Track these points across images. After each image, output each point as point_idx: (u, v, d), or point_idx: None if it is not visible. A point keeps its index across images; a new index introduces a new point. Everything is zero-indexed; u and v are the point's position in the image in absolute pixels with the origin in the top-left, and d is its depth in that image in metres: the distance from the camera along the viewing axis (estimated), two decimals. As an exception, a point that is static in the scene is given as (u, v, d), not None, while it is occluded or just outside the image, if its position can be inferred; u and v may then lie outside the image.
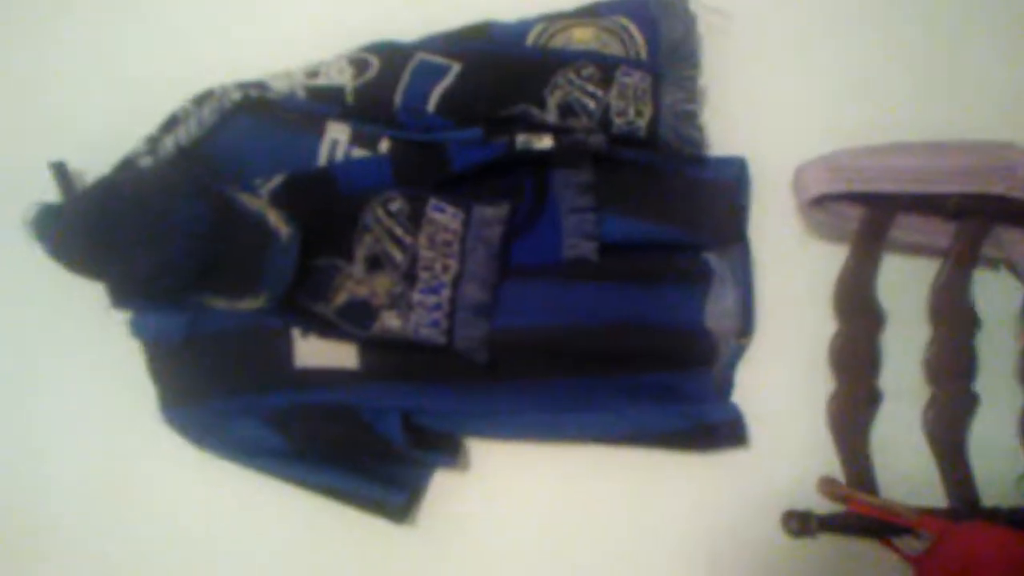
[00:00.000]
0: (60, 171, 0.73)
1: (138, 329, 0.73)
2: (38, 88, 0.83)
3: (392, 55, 0.77)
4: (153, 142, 0.74)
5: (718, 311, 0.77)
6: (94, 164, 0.73)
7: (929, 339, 0.76)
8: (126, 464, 0.78)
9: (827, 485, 0.74)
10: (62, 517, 0.78)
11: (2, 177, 0.80)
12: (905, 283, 0.78)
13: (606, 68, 0.76)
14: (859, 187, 0.73)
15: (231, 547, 0.77)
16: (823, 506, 0.74)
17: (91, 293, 0.73)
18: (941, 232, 0.76)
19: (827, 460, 0.76)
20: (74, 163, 0.74)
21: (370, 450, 0.74)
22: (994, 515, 0.73)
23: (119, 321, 0.74)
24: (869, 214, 0.75)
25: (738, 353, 0.78)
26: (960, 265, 0.76)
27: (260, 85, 0.75)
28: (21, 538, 0.78)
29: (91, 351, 0.78)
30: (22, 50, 0.84)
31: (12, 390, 0.80)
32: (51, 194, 0.72)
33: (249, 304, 0.70)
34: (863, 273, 0.77)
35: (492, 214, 0.73)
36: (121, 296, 0.73)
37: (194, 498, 0.77)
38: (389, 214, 0.73)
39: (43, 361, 0.80)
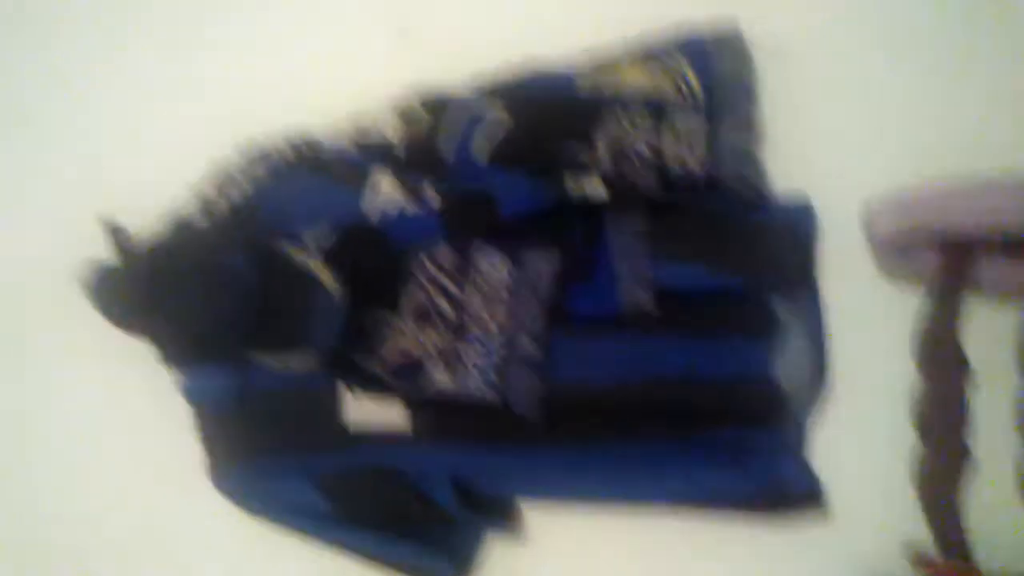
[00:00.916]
0: (115, 232, 0.73)
1: (188, 392, 0.73)
2: (79, 141, 0.86)
3: (440, 106, 0.76)
4: (208, 202, 0.74)
5: (789, 362, 0.72)
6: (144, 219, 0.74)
7: (1020, 390, 0.70)
8: (170, 521, 0.77)
9: (919, 558, 0.68)
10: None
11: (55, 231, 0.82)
12: (993, 330, 0.71)
13: (659, 111, 0.73)
14: (937, 227, 0.68)
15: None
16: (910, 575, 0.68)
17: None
18: (1030, 275, 0.70)
19: (914, 528, 0.69)
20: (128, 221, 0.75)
21: (420, 515, 0.71)
22: (1109, 587, 0.66)
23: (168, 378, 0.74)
24: (949, 257, 0.70)
25: (812, 407, 0.73)
26: (1053, 310, 0.69)
27: (311, 143, 0.75)
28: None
29: (141, 404, 0.78)
30: (65, 101, 0.86)
31: (60, 439, 0.80)
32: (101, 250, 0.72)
33: (297, 360, 0.69)
34: (945, 321, 0.71)
35: (543, 264, 0.71)
36: (171, 354, 0.72)
37: (239, 560, 0.76)
38: (438, 266, 0.71)
39: (88, 422, 0.80)
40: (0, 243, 0.84)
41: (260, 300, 0.68)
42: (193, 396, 0.73)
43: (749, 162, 0.74)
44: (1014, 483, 0.69)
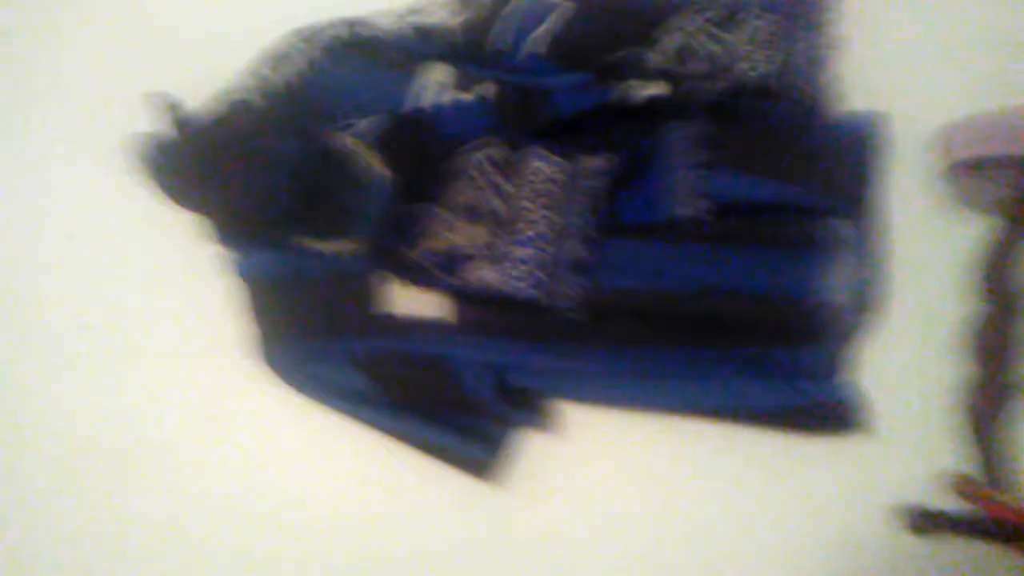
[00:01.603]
0: (172, 105, 0.73)
1: (240, 268, 0.73)
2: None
3: (503, -10, 0.73)
4: (262, 80, 0.73)
5: (843, 282, 0.70)
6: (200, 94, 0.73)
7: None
8: (221, 403, 0.78)
9: (964, 484, 0.67)
10: (163, 449, 0.78)
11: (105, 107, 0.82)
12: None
13: (733, 9, 0.70)
14: (1015, 150, 0.65)
15: (316, 493, 0.76)
16: (950, 503, 0.67)
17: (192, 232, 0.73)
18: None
19: (957, 455, 0.68)
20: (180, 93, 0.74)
21: (458, 403, 0.71)
22: None
23: (219, 260, 0.74)
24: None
25: (863, 329, 0.71)
26: None
27: (365, 22, 0.73)
28: (126, 468, 0.79)
29: (189, 289, 0.79)
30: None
31: (111, 328, 0.81)
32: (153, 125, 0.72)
33: (344, 246, 0.69)
34: (1012, 248, 0.68)
35: (598, 165, 0.69)
36: (224, 233, 0.72)
37: (285, 441, 0.77)
38: (491, 161, 0.70)
39: (139, 300, 0.81)
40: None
41: (310, 184, 0.67)
42: (243, 274, 0.74)
43: (824, 72, 0.70)
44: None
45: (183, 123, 0.72)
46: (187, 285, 0.78)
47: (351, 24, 0.73)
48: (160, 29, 0.85)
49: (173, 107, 0.72)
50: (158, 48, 0.84)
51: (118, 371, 0.79)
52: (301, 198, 0.67)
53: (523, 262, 0.68)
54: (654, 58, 0.69)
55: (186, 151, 0.67)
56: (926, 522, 0.66)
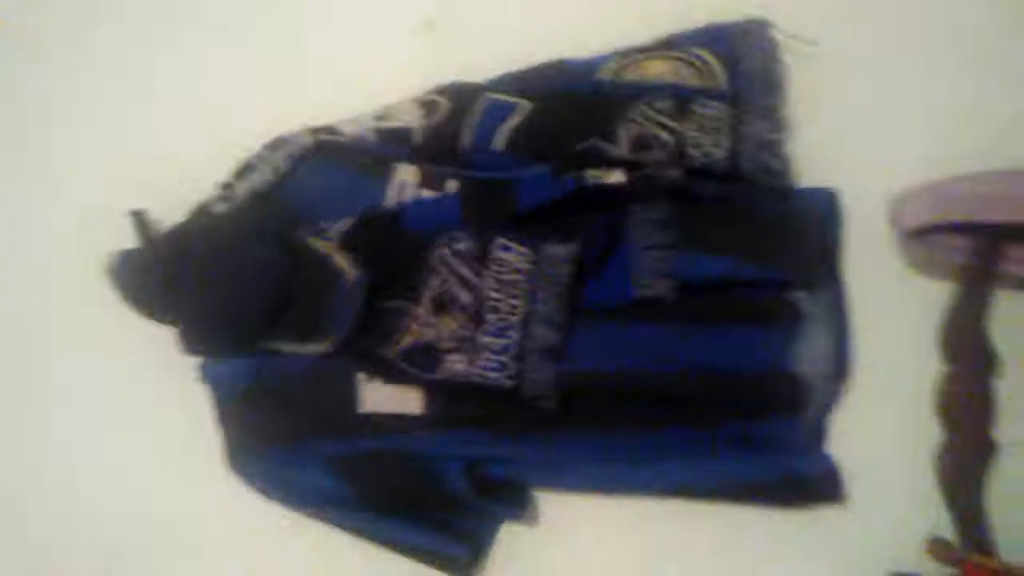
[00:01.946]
0: (140, 219, 0.74)
1: (207, 375, 0.74)
2: (110, 137, 0.86)
3: (461, 95, 0.76)
4: (228, 188, 0.75)
5: (810, 354, 0.72)
6: (168, 213, 0.75)
7: (1050, 383, 0.69)
8: (191, 510, 0.78)
9: (938, 547, 0.67)
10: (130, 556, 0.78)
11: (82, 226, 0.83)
12: (1019, 321, 0.70)
13: (682, 100, 0.73)
14: (964, 217, 0.67)
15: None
16: (930, 570, 0.67)
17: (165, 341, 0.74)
18: (1058, 265, 0.69)
19: (935, 519, 0.68)
20: (154, 211, 0.76)
21: (433, 500, 0.71)
22: None
23: (190, 367, 0.75)
24: (977, 246, 0.69)
25: (833, 399, 0.72)
26: (1084, 301, 0.68)
27: (331, 130, 0.76)
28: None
29: (160, 395, 0.79)
30: (105, 100, 0.87)
31: (83, 430, 0.81)
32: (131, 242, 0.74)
33: (315, 348, 0.70)
34: (972, 311, 0.70)
35: (561, 253, 0.71)
36: (191, 340, 0.73)
37: (259, 547, 0.76)
38: (456, 254, 0.71)
39: (112, 403, 0.81)
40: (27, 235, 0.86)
41: (280, 287, 0.68)
42: (212, 381, 0.74)
43: (774, 152, 0.73)
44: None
45: (146, 234, 0.74)
46: (162, 392, 0.79)
47: (315, 131, 0.75)
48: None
49: (137, 218, 0.74)
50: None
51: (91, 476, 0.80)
52: (270, 300, 0.68)
53: (493, 351, 0.69)
54: (611, 148, 0.72)
55: (149, 261, 0.68)
56: (909, 590, 0.66)
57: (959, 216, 0.67)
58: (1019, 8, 0.78)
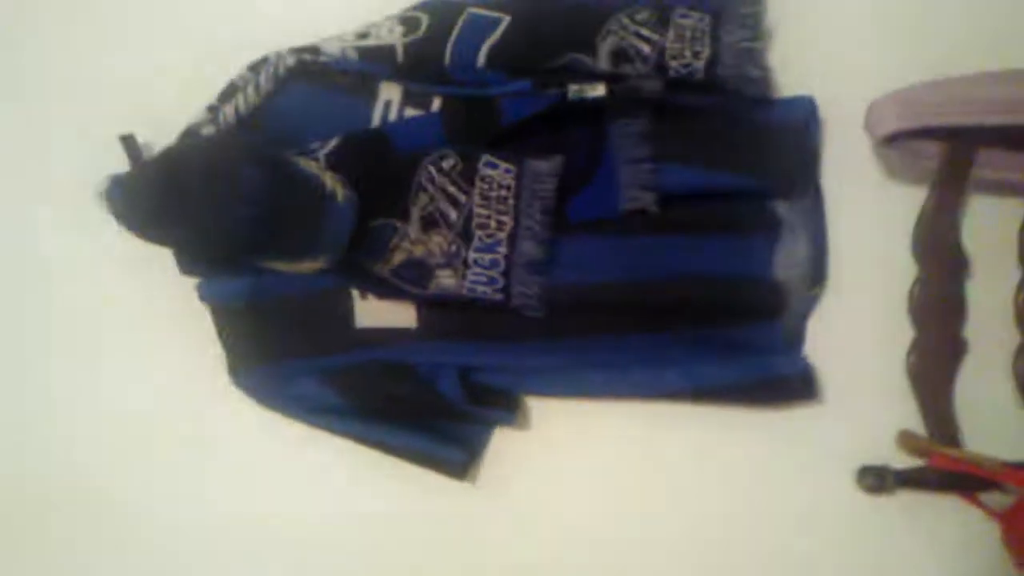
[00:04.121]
0: (129, 143, 0.75)
1: (205, 293, 0.76)
2: (102, 61, 0.86)
3: (442, 11, 0.76)
4: (214, 111, 0.75)
5: (788, 260, 0.74)
6: (161, 135, 0.76)
7: (1018, 284, 0.71)
8: (195, 424, 0.81)
9: (907, 439, 0.71)
10: (133, 476, 0.81)
11: (76, 150, 0.84)
12: (991, 224, 0.73)
13: (662, 10, 0.73)
14: (938, 121, 0.68)
15: (289, 503, 0.79)
16: (901, 462, 0.71)
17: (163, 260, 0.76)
18: (1030, 167, 0.70)
19: (907, 414, 0.72)
20: (142, 135, 0.76)
21: (429, 407, 0.74)
22: (1090, 468, 0.68)
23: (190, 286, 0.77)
24: (950, 151, 0.70)
25: (810, 304, 0.75)
26: (1053, 203, 0.70)
27: (312, 49, 0.76)
28: (91, 493, 0.81)
29: (163, 316, 0.81)
30: (84, 24, 0.87)
31: (85, 353, 0.83)
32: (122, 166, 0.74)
33: (309, 266, 0.71)
34: (945, 215, 0.72)
35: (545, 168, 0.72)
36: (188, 261, 0.75)
37: (259, 454, 0.80)
38: (442, 172, 0.72)
39: (115, 326, 0.83)
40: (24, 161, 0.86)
41: (271, 208, 0.69)
42: (211, 300, 0.76)
43: (753, 61, 0.73)
44: (1010, 375, 0.71)
45: (136, 156, 0.74)
46: (162, 311, 0.81)
47: (298, 52, 0.75)
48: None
49: (126, 141, 0.74)
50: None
51: (94, 397, 0.82)
52: (262, 221, 0.69)
53: (482, 267, 0.71)
54: (591, 62, 0.72)
55: (140, 183, 0.69)
56: (879, 480, 0.70)
57: (929, 121, 0.68)
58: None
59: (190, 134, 0.75)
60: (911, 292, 0.73)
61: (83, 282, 0.83)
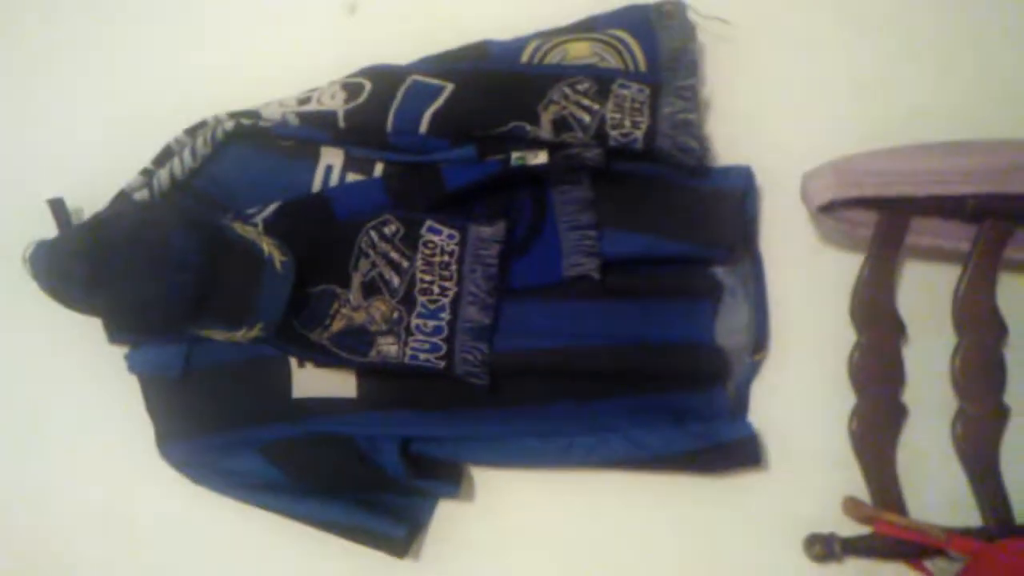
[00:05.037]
0: (57, 208, 0.73)
1: (134, 364, 0.73)
2: (35, 126, 0.84)
3: (384, 78, 0.76)
4: (148, 175, 0.74)
5: (729, 326, 0.75)
6: (92, 200, 0.73)
7: (954, 349, 0.72)
8: (125, 497, 0.77)
9: (852, 506, 0.70)
10: (62, 547, 0.78)
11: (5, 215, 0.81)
12: (926, 290, 0.74)
13: (602, 81, 0.74)
14: (870, 192, 0.70)
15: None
16: (848, 528, 0.70)
17: (91, 328, 0.73)
18: (961, 235, 0.72)
19: (851, 479, 0.72)
20: (72, 200, 0.74)
21: (369, 481, 0.72)
22: (1031, 533, 0.69)
23: (118, 355, 0.74)
24: (883, 219, 0.72)
25: (753, 369, 0.75)
26: (983, 269, 0.72)
27: (252, 114, 0.75)
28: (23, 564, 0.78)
29: (92, 385, 0.78)
30: (19, 90, 0.84)
31: (15, 424, 0.80)
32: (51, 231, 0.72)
33: (245, 335, 0.69)
34: (881, 281, 0.73)
35: (488, 233, 0.72)
36: (116, 330, 0.72)
37: (191, 532, 0.76)
38: (384, 238, 0.72)
39: (45, 395, 0.80)
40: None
41: (205, 275, 0.68)
42: (141, 370, 0.73)
43: (691, 132, 0.74)
44: (949, 436, 0.72)
45: (64, 221, 0.72)
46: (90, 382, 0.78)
47: (237, 116, 0.74)
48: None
49: (54, 205, 0.72)
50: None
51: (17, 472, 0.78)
52: (195, 289, 0.68)
53: (425, 333, 0.70)
54: (534, 130, 0.73)
55: (67, 248, 0.66)
56: (827, 548, 0.69)
57: (863, 191, 0.70)
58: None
59: (123, 198, 0.73)
60: (850, 357, 0.73)
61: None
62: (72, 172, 0.78)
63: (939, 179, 0.70)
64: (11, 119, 0.84)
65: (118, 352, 0.74)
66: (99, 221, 0.69)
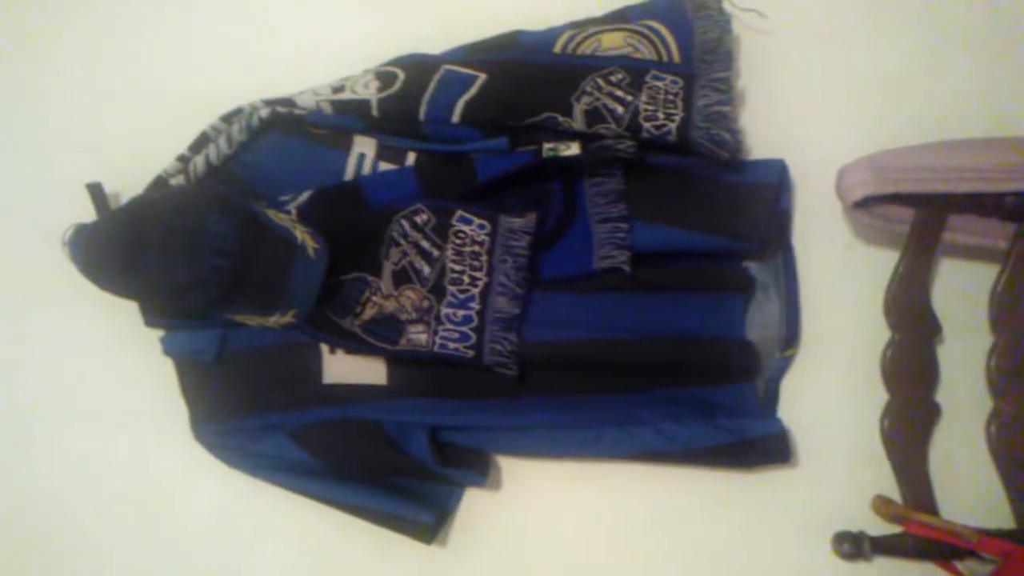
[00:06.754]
0: (96, 192, 0.74)
1: (169, 347, 0.74)
2: (75, 112, 0.85)
3: (418, 67, 0.76)
4: (184, 161, 0.75)
5: (761, 321, 0.74)
6: (130, 185, 0.74)
7: (990, 348, 0.71)
8: (158, 479, 0.78)
9: (882, 505, 0.70)
10: (94, 529, 0.79)
11: (44, 199, 0.82)
12: (962, 288, 0.73)
13: (636, 72, 0.74)
14: (907, 188, 0.69)
15: (257, 565, 0.77)
16: (877, 526, 0.70)
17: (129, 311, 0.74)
18: (999, 233, 0.71)
19: (881, 478, 0.71)
20: (110, 185, 0.75)
21: (397, 467, 0.72)
22: (1066, 536, 0.68)
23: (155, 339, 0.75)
24: (920, 216, 0.71)
25: (784, 365, 0.74)
26: (1021, 268, 0.71)
27: (287, 102, 0.75)
28: (58, 543, 0.79)
29: (128, 368, 0.79)
30: (60, 76, 0.85)
31: (50, 406, 0.81)
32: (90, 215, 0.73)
33: (277, 320, 0.70)
34: (916, 279, 0.72)
35: (519, 224, 0.72)
36: (152, 314, 0.73)
37: (223, 515, 0.77)
38: (416, 227, 0.72)
39: (80, 377, 0.80)
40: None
41: (239, 261, 0.68)
42: (175, 353, 0.74)
43: (725, 125, 0.73)
44: (983, 437, 0.71)
45: (102, 206, 0.73)
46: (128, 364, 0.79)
47: (272, 104, 0.75)
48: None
49: (93, 190, 0.73)
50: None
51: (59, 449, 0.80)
52: (230, 274, 0.68)
53: (454, 323, 0.70)
54: (566, 121, 0.72)
55: (106, 235, 0.67)
56: (855, 547, 0.69)
57: (900, 187, 0.69)
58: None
59: (159, 183, 0.74)
60: (883, 355, 0.73)
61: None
62: (110, 157, 0.79)
63: (978, 176, 0.69)
64: (52, 105, 0.84)
65: (154, 335, 0.75)
66: (136, 205, 0.70)
